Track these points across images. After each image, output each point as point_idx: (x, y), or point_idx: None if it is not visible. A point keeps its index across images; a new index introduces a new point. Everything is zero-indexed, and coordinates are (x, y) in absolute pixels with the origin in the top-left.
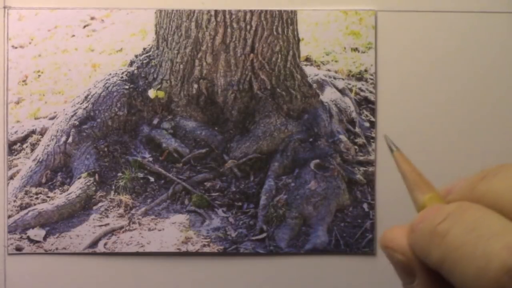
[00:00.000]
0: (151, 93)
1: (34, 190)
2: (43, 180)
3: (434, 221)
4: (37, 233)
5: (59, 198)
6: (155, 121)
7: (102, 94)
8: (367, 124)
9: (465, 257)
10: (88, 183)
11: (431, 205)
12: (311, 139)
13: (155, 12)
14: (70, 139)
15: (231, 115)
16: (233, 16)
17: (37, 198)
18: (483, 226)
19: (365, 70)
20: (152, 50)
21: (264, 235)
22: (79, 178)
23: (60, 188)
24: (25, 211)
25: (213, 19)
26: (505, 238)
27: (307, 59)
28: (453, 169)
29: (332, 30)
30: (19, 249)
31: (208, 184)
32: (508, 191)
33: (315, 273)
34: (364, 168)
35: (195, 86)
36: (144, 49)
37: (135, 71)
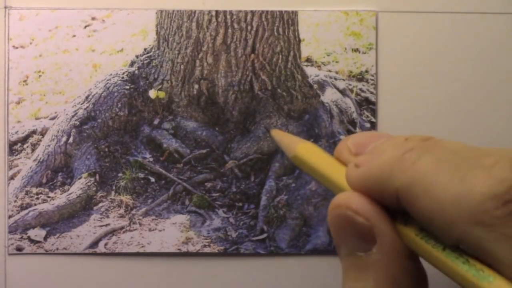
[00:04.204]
0: (152, 93)
1: (34, 190)
2: (44, 180)
3: (397, 151)
4: (37, 233)
5: (60, 198)
6: (156, 122)
7: (102, 94)
8: (367, 125)
9: (441, 183)
10: (89, 183)
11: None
12: (312, 140)
13: (156, 13)
14: (70, 139)
15: (232, 115)
16: (234, 17)
17: (37, 198)
18: (465, 156)
19: (366, 71)
20: (153, 50)
21: (264, 235)
22: (79, 178)
23: (61, 188)
24: (26, 211)
25: (214, 19)
26: (492, 169)
27: (308, 60)
28: None
29: (333, 31)
30: (19, 249)
31: (208, 185)
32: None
33: (316, 273)
34: None
35: (196, 86)
36: (145, 49)
37: (136, 72)
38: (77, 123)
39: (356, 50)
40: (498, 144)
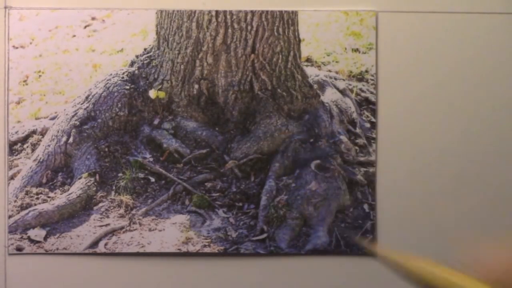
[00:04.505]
0: (152, 93)
1: (34, 190)
2: (44, 180)
3: None
4: (37, 233)
5: (60, 198)
6: (156, 122)
7: (103, 94)
8: (367, 125)
9: None
10: (89, 183)
11: None
12: (311, 140)
13: (156, 13)
14: (70, 139)
15: (232, 115)
16: (234, 17)
17: (37, 198)
18: None
19: (366, 71)
20: (153, 50)
21: (264, 235)
22: (79, 178)
23: (61, 188)
24: (26, 211)
25: (214, 19)
26: None
27: (308, 60)
28: (453, 169)
29: (333, 31)
30: (19, 249)
31: (208, 185)
32: None
33: (316, 273)
34: (365, 169)
35: (196, 86)
36: (145, 49)
37: (136, 72)
38: (77, 123)
39: (356, 50)
40: (497, 142)
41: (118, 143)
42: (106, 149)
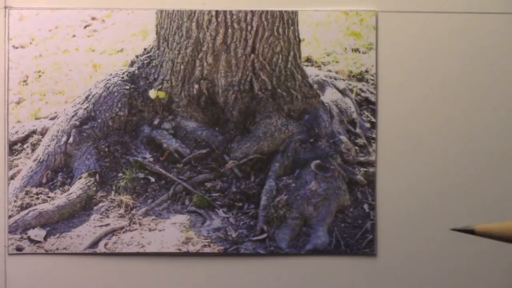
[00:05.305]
0: (152, 93)
1: (34, 190)
2: (44, 180)
3: None
4: (37, 233)
5: (60, 198)
6: (156, 122)
7: (102, 94)
8: (367, 125)
9: None
10: (89, 183)
11: None
12: (311, 140)
13: (156, 13)
14: (70, 139)
15: (232, 115)
16: (234, 17)
17: (37, 198)
18: None
19: (366, 71)
20: (153, 50)
21: (264, 235)
22: (79, 178)
23: (61, 188)
24: (26, 211)
25: (214, 19)
26: None
27: (308, 60)
28: (453, 169)
29: (333, 31)
30: (19, 249)
31: (208, 185)
32: None
33: (316, 273)
34: (365, 169)
35: (196, 86)
36: (145, 49)
37: (136, 72)
38: (77, 123)
39: (356, 50)
40: (496, 142)
41: (118, 143)
42: (106, 149)
